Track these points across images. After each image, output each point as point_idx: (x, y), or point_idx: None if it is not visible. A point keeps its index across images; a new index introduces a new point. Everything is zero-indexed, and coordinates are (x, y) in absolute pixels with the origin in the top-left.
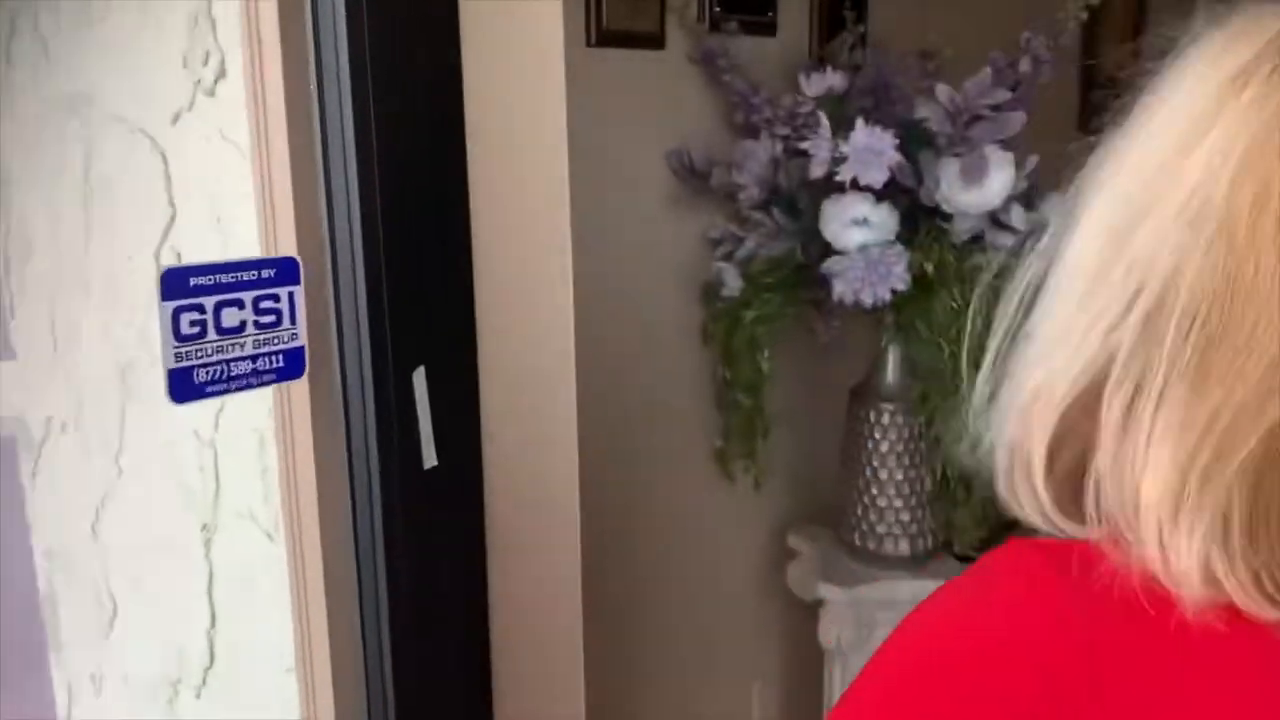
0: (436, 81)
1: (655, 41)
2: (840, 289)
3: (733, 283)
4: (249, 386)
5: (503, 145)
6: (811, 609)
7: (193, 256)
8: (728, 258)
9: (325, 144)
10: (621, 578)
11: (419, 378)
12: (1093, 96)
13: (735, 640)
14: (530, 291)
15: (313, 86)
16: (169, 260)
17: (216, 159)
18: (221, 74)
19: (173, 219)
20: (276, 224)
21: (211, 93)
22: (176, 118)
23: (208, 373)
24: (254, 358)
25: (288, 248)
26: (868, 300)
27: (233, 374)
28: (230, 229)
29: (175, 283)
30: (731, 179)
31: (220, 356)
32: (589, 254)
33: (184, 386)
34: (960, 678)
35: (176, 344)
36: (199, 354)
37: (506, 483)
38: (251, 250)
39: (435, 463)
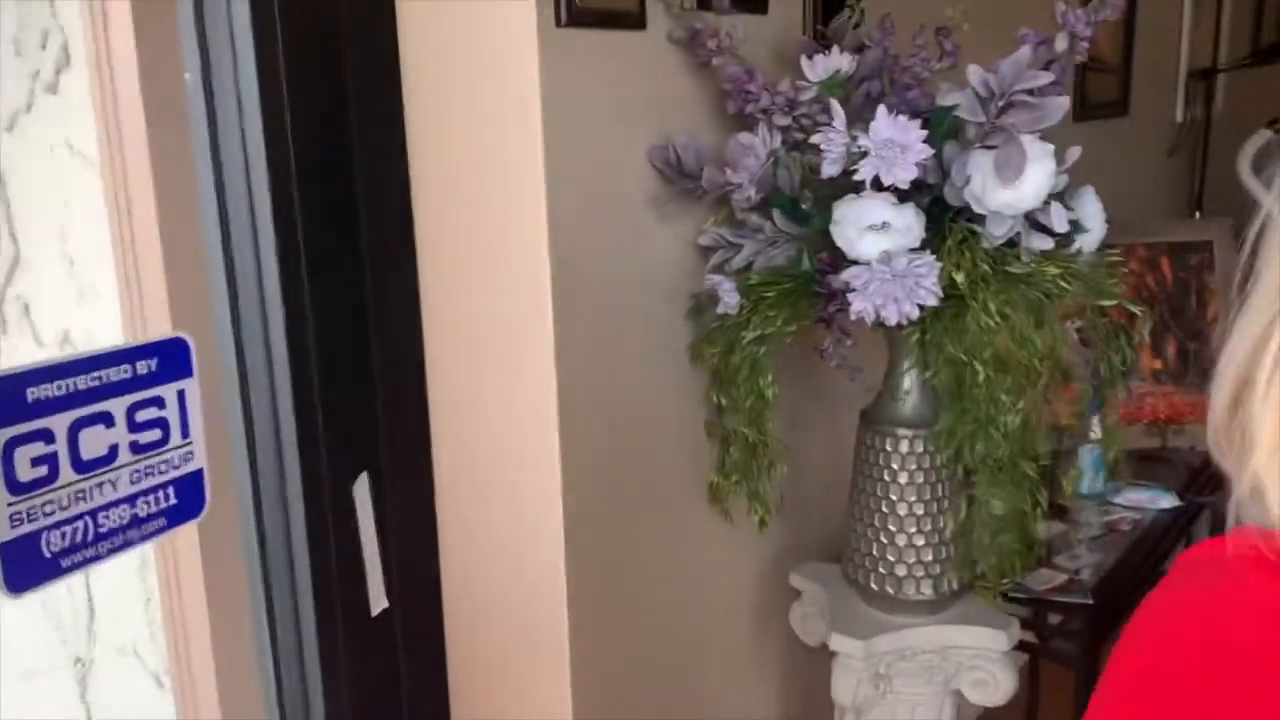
0: (372, 73)
1: (635, 21)
2: (860, 305)
3: (730, 299)
4: (128, 545)
5: (460, 154)
6: (816, 653)
7: (47, 309)
8: (721, 268)
9: (217, 161)
10: (606, 623)
11: (361, 488)
12: (1088, 83)
13: (733, 687)
14: (497, 355)
15: (188, 75)
16: (15, 314)
17: (65, 177)
18: (65, 62)
19: (16, 258)
20: (140, 273)
21: (53, 88)
22: (12, 122)
23: (63, 537)
24: (133, 499)
25: (155, 308)
26: (892, 318)
27: (102, 531)
28: (86, 275)
29: (2, 400)
30: (725, 178)
31: (81, 507)
32: (559, 267)
33: (27, 566)
34: (1218, 678)
35: (12, 500)
36: (48, 510)
37: (472, 602)
38: (115, 306)
39: (386, 604)
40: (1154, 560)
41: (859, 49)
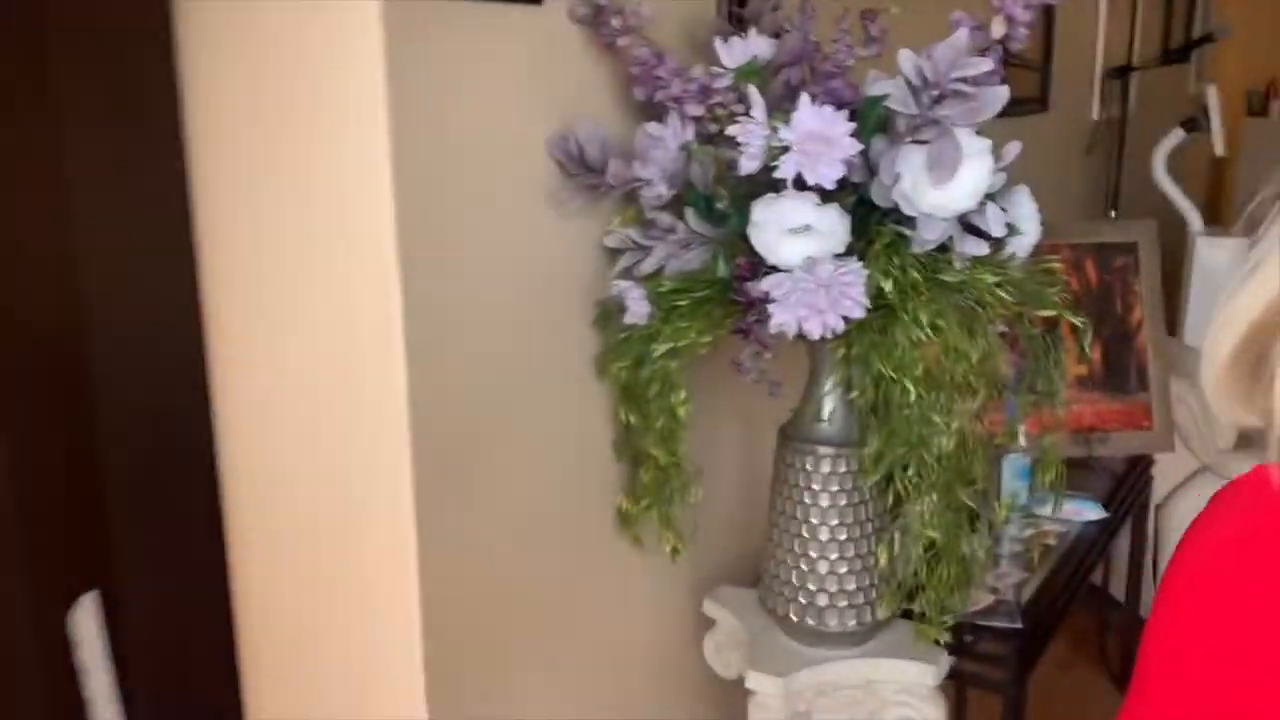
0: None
1: None
2: (782, 318)
3: (638, 308)
4: None
5: (269, 145)
6: (732, 685)
7: None
8: (629, 273)
9: None
10: (493, 663)
11: (85, 618)
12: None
13: None
14: (324, 389)
15: None
16: None
17: None
18: None
19: None
20: None
21: None
22: None
23: None
24: None
25: None
26: (815, 331)
27: None
28: None
29: None
30: (632, 172)
31: None
32: (445, 273)
33: None
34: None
35: None
36: None
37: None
38: None
39: None
40: (1081, 575)
41: (778, 33)
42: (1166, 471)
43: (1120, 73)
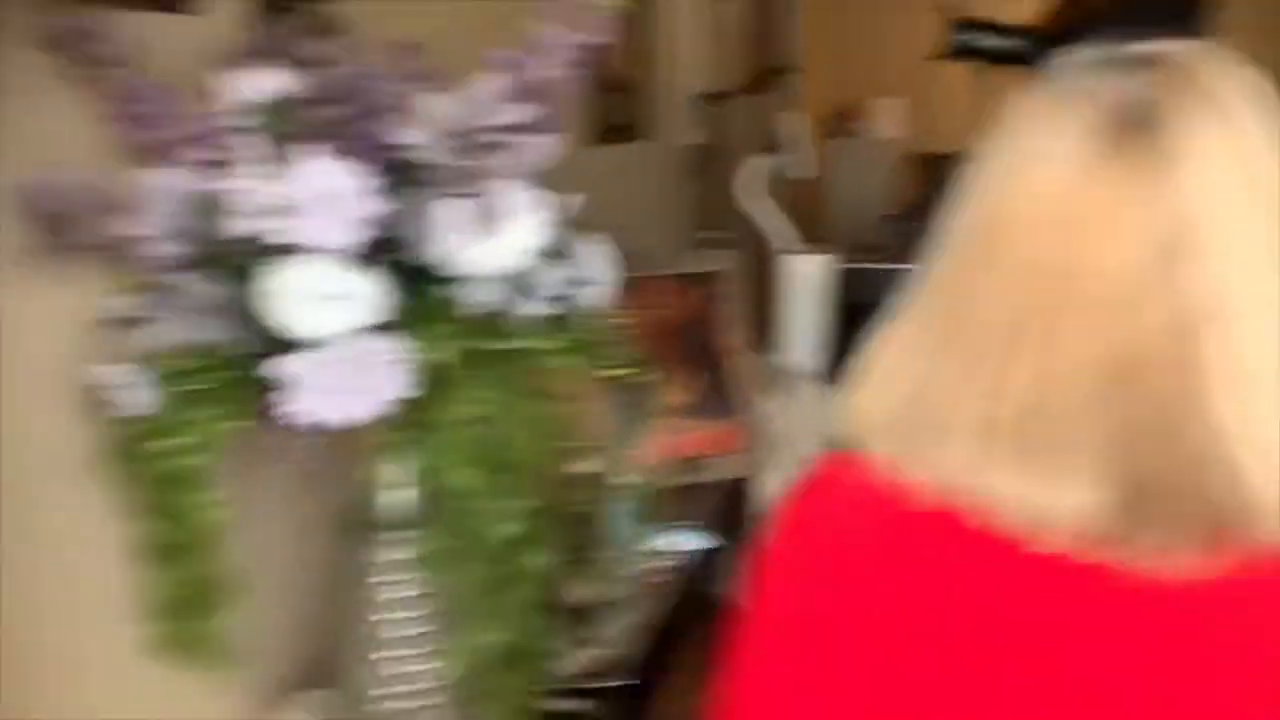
0: None
1: None
2: (300, 404)
3: (136, 396)
4: None
5: None
6: None
7: None
8: (131, 351)
9: None
10: None
11: None
12: (599, 105)
13: None
14: None
15: None
16: None
17: None
18: None
19: None
20: None
21: None
22: None
23: None
24: None
25: None
26: (341, 419)
27: None
28: None
29: None
30: (128, 229)
31: None
32: None
33: None
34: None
35: None
36: None
37: None
38: None
39: None
40: (698, 603)
41: (321, 65)
42: (767, 486)
43: (713, 99)
